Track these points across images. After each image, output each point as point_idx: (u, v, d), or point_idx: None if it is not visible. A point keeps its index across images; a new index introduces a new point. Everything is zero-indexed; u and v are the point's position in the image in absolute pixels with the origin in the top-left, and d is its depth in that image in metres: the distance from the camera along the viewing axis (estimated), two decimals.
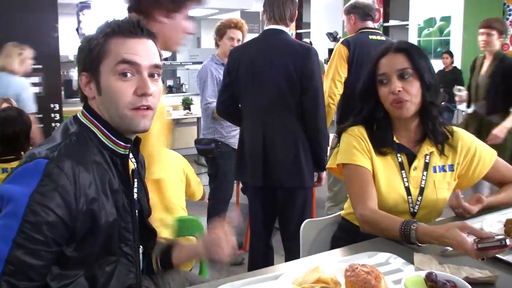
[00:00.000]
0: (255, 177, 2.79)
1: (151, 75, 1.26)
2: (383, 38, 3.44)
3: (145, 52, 1.25)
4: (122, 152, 1.29)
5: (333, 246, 1.90)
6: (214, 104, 3.41)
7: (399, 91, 1.65)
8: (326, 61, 7.00)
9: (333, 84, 3.26)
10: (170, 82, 8.73)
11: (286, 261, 2.98)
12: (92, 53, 1.24)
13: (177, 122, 7.49)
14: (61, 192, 1.11)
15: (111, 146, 1.27)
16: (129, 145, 1.31)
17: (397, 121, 1.74)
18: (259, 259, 3.08)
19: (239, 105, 2.91)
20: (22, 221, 1.07)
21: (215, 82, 3.62)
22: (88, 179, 1.17)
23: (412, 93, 1.66)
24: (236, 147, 3.52)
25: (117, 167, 1.28)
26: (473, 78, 3.98)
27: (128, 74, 1.23)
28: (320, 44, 10.28)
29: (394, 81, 1.66)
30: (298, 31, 11.68)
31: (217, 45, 3.76)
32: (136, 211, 1.36)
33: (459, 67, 7.85)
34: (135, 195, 1.36)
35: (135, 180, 1.37)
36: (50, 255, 1.12)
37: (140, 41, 1.26)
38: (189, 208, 2.63)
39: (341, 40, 3.41)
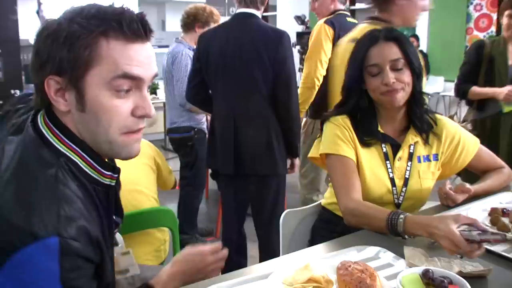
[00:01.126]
0: (227, 165, 2.73)
1: (148, 86, 1.03)
2: (355, 20, 3.35)
3: (148, 60, 0.99)
4: (108, 183, 1.05)
5: (313, 236, 1.86)
6: None
7: (393, 82, 1.60)
8: (294, 45, 6.95)
9: (319, 65, 3.12)
10: None
11: (260, 248, 2.96)
12: (78, 55, 0.93)
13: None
14: (86, 258, 0.93)
15: (95, 176, 1.02)
16: (116, 176, 1.07)
17: (382, 110, 1.70)
18: (232, 247, 3.04)
19: (209, 92, 2.83)
20: None
21: None
22: (97, 235, 0.97)
23: (405, 83, 1.62)
24: (206, 131, 3.55)
25: (100, 199, 1.04)
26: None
27: (126, 89, 0.97)
28: (287, 28, 10.19)
29: (388, 72, 1.60)
30: (264, 13, 11.55)
31: (190, 30, 3.61)
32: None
33: (425, 51, 7.93)
34: None
35: None
36: None
37: (144, 47, 0.98)
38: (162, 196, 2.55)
39: (322, 20, 3.26)
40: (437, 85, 8.11)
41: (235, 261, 2.95)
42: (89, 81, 0.95)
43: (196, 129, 3.62)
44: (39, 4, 5.29)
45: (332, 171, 1.66)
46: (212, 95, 2.82)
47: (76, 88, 0.96)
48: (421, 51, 7.80)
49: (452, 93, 7.83)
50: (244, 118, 2.66)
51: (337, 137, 1.66)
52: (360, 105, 1.69)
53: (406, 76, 1.62)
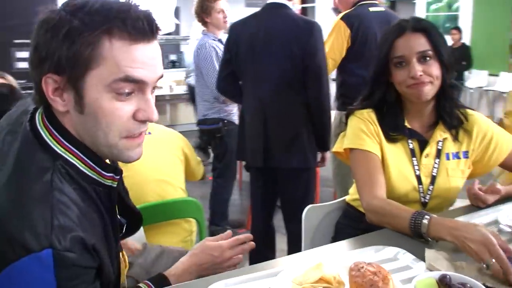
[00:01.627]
0: (256, 158, 2.72)
1: (153, 87, 0.97)
2: (382, 8, 3.20)
3: (153, 61, 0.93)
4: (110, 184, 1.02)
5: (337, 233, 1.82)
6: None
7: (420, 75, 1.52)
8: None
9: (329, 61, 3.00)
10: (173, 57, 8.56)
11: (288, 242, 2.94)
12: (78, 54, 0.88)
13: (178, 98, 7.38)
14: (83, 267, 0.91)
15: (96, 178, 0.98)
16: (118, 177, 1.03)
17: (409, 104, 1.62)
18: (260, 240, 3.02)
19: (240, 82, 2.81)
20: None
21: (218, 62, 3.48)
22: (94, 243, 0.93)
23: (433, 76, 1.54)
24: (237, 122, 3.50)
25: (101, 199, 1.00)
26: None
27: (128, 92, 0.92)
28: (325, 19, 10.06)
29: (414, 64, 1.53)
30: (303, 5, 11.42)
31: (204, 22, 3.58)
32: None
33: (468, 43, 7.67)
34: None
35: None
36: None
37: (149, 47, 0.92)
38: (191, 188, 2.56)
39: (340, 15, 3.13)
40: (480, 79, 7.85)
41: (263, 254, 2.94)
42: (88, 82, 0.90)
43: (225, 121, 3.60)
44: None
45: (356, 167, 1.61)
46: (242, 86, 2.80)
47: (75, 89, 0.91)
48: (464, 44, 7.56)
49: (496, 87, 7.60)
50: (274, 110, 2.62)
51: (362, 131, 1.61)
52: (387, 99, 1.63)
53: (435, 69, 1.54)
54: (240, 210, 4.52)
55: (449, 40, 7.63)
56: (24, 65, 4.45)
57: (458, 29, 7.63)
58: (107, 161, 1.04)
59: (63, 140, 0.95)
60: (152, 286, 1.18)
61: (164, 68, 4.63)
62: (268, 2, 2.67)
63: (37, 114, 0.98)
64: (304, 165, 2.65)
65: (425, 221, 1.29)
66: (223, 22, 3.52)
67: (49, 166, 0.92)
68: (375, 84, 1.65)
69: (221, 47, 3.50)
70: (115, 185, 1.03)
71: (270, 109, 2.63)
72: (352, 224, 1.71)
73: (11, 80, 3.35)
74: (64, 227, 0.87)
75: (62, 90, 0.92)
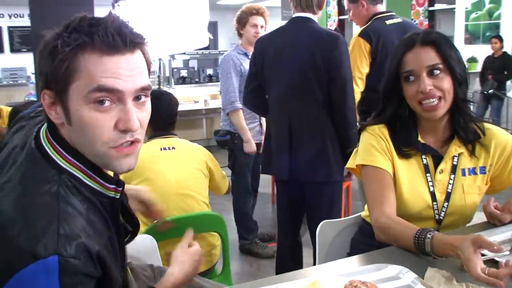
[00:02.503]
0: (281, 171, 2.72)
1: (137, 98, 1.00)
2: (399, 19, 3.15)
3: (130, 72, 0.96)
4: (113, 196, 1.07)
5: (352, 249, 1.80)
6: (237, 104, 3.44)
7: (430, 89, 1.49)
8: None
9: (353, 82, 2.92)
10: (210, 71, 8.68)
11: (314, 256, 2.91)
12: (58, 70, 0.94)
13: (214, 111, 7.46)
14: (86, 274, 0.94)
15: (99, 189, 1.04)
16: (120, 189, 1.08)
17: (423, 119, 1.59)
18: (287, 255, 3.03)
19: (266, 96, 2.83)
20: None
21: (238, 74, 3.54)
22: (101, 254, 0.97)
23: (444, 90, 1.50)
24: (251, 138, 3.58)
25: (107, 210, 1.06)
26: None
27: (106, 102, 0.95)
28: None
29: (424, 79, 1.49)
30: (341, 17, 11.38)
31: (239, 34, 3.66)
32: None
33: (510, 52, 7.43)
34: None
35: None
36: None
37: (123, 58, 0.96)
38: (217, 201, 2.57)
39: (357, 32, 3.11)
40: None
41: (289, 268, 2.92)
42: (71, 95, 0.95)
43: (236, 134, 3.61)
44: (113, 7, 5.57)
45: (366, 183, 1.59)
46: (268, 100, 2.82)
47: (61, 102, 0.97)
48: (505, 53, 7.33)
49: None
50: (299, 123, 2.63)
51: (373, 147, 1.59)
52: (400, 114, 1.60)
53: (446, 83, 1.50)
54: (272, 224, 4.49)
55: (490, 49, 7.42)
56: None
57: (499, 37, 7.41)
58: (111, 173, 1.08)
59: (66, 154, 1.00)
60: None
61: (201, 83, 4.78)
62: (293, 16, 2.70)
63: (41, 130, 1.04)
64: (329, 178, 2.63)
65: (427, 239, 1.27)
66: (253, 37, 3.54)
67: (55, 179, 0.97)
68: (387, 99, 1.63)
69: (245, 60, 3.56)
70: (118, 197, 1.07)
71: (295, 123, 2.63)
72: (367, 241, 1.68)
73: None
74: (69, 235, 0.92)
75: (55, 104, 0.98)
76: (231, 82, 3.52)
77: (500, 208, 1.53)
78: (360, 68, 2.97)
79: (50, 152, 1.00)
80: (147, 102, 1.03)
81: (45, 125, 1.05)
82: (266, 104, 2.84)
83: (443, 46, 1.51)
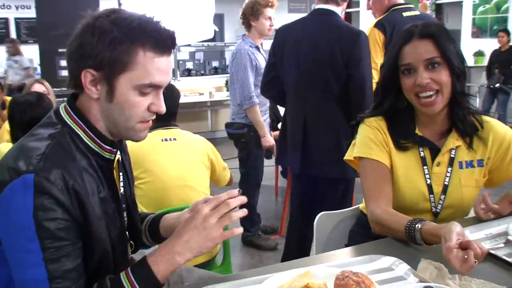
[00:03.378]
0: (294, 164, 2.72)
1: None
2: (417, 12, 3.13)
3: (169, 69, 1.17)
4: (108, 157, 1.21)
5: (350, 241, 1.80)
6: (255, 99, 3.40)
7: (427, 82, 1.48)
8: None
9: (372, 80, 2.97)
10: (215, 63, 8.68)
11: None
12: (115, 57, 1.09)
13: (220, 103, 7.47)
14: (58, 201, 1.04)
15: (97, 150, 1.18)
16: (115, 150, 1.23)
17: (421, 112, 1.58)
18: (294, 247, 3.03)
19: (284, 86, 2.81)
20: (40, 241, 1.03)
21: (254, 69, 3.49)
22: (78, 188, 1.09)
23: (441, 83, 1.49)
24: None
25: (103, 172, 1.20)
26: None
27: (149, 90, 1.15)
28: (368, 24, 9.92)
29: (421, 72, 1.49)
30: (347, 10, 11.32)
31: (248, 25, 3.58)
32: (124, 213, 1.30)
33: None
34: (122, 190, 1.29)
35: (121, 173, 1.30)
36: (80, 249, 1.10)
37: (169, 59, 1.16)
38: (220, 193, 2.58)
39: (373, 23, 3.11)
40: None
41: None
42: (121, 81, 1.11)
43: (252, 127, 3.59)
44: (119, 5, 5.56)
45: (364, 176, 1.59)
46: (286, 92, 2.79)
47: (109, 84, 1.11)
48: None
49: None
50: (314, 118, 2.61)
51: (370, 140, 1.59)
52: (398, 106, 1.59)
53: (444, 76, 1.49)
54: (274, 216, 4.51)
55: (496, 43, 7.37)
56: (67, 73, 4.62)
57: (506, 31, 7.35)
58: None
59: (74, 115, 1.16)
60: (131, 277, 1.11)
61: (207, 75, 4.77)
62: (316, 7, 2.65)
63: (62, 105, 1.21)
64: (342, 175, 2.59)
65: (417, 228, 1.28)
66: (267, 30, 3.52)
67: (58, 128, 1.14)
68: (385, 91, 1.62)
69: (258, 54, 3.53)
70: (112, 158, 1.22)
71: (311, 117, 2.61)
72: (364, 232, 1.69)
73: (47, 86, 3.52)
74: (53, 162, 1.06)
75: (97, 82, 1.12)
76: (248, 77, 3.46)
77: (497, 201, 1.52)
78: (374, 59, 2.92)
79: (62, 113, 1.17)
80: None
81: (64, 104, 1.20)
82: (284, 94, 2.81)
83: (441, 39, 1.50)
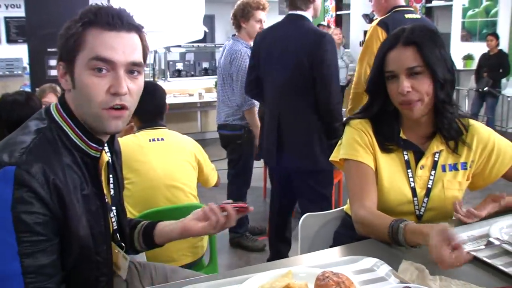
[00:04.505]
0: (270, 158, 2.93)
1: (130, 72, 1.18)
2: (417, 16, 3.22)
3: (123, 47, 1.16)
4: (93, 154, 1.23)
5: (335, 242, 1.81)
6: (254, 101, 3.44)
7: (408, 91, 1.48)
8: (361, 44, 6.78)
9: (368, 68, 3.04)
10: (205, 64, 8.67)
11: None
12: (69, 43, 1.15)
13: (209, 105, 7.46)
14: (38, 195, 1.06)
15: (82, 147, 1.20)
16: (101, 148, 1.25)
17: (406, 116, 1.58)
18: (278, 245, 3.26)
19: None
20: (16, 234, 1.04)
21: None
22: (59, 184, 1.10)
23: (422, 92, 1.48)
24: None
25: (88, 169, 1.21)
26: None
27: (103, 70, 1.14)
28: (358, 26, 9.99)
29: (403, 80, 1.48)
30: (338, 12, 11.37)
31: (238, 27, 3.60)
32: (114, 212, 1.31)
33: (505, 50, 7.43)
34: (112, 191, 1.30)
35: (110, 175, 1.31)
36: (56, 246, 1.11)
37: (118, 35, 1.16)
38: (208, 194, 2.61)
39: (376, 21, 3.17)
40: None
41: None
42: (77, 63, 1.15)
43: (246, 129, 3.60)
44: (108, 1, 5.55)
45: (348, 177, 1.60)
46: (264, 93, 2.99)
47: (69, 70, 1.17)
48: (501, 51, 7.34)
49: None
50: (286, 115, 2.81)
51: (356, 142, 1.60)
52: (386, 109, 1.60)
53: (425, 85, 1.48)
54: (262, 217, 4.51)
55: (485, 46, 7.42)
56: (56, 72, 4.58)
57: (495, 35, 7.41)
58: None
59: (62, 112, 1.20)
60: None
61: (197, 76, 4.77)
62: (288, 13, 2.85)
63: (52, 104, 1.24)
64: (315, 167, 2.78)
65: (401, 227, 1.30)
66: (257, 32, 3.53)
67: (45, 123, 1.18)
68: (373, 95, 1.62)
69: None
70: (98, 155, 1.24)
71: (282, 114, 2.82)
72: (348, 233, 1.70)
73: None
74: (35, 155, 1.08)
75: (65, 73, 1.18)
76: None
77: (482, 202, 1.54)
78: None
79: (52, 109, 1.21)
80: (140, 78, 1.21)
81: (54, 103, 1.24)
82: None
83: (425, 46, 1.48)
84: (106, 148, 1.31)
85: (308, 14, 2.79)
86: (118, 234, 1.35)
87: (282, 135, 2.81)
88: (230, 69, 3.53)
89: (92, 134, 1.21)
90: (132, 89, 1.18)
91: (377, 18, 3.23)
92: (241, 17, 3.54)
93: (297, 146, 2.80)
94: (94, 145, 1.22)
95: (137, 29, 1.20)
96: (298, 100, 2.74)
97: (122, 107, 1.17)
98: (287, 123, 2.80)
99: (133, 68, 1.18)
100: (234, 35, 3.68)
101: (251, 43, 3.61)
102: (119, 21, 1.16)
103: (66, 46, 1.16)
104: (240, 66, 3.46)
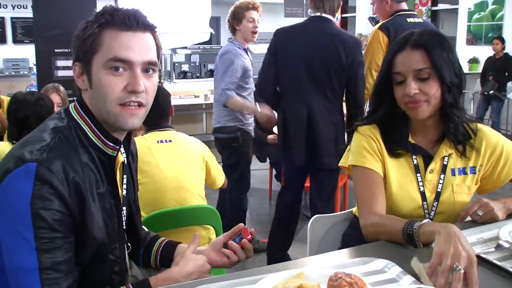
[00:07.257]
0: (299, 157, 3.00)
1: (146, 70, 1.21)
2: (420, 20, 3.26)
3: (139, 47, 1.19)
4: (110, 153, 1.25)
5: (343, 244, 1.82)
6: (230, 92, 3.39)
7: (415, 93, 1.49)
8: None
9: (369, 73, 3.09)
10: (211, 66, 8.70)
11: None
12: (85, 44, 1.18)
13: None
14: (57, 192, 1.08)
15: (100, 146, 1.23)
16: (117, 147, 1.27)
17: (414, 120, 1.59)
18: (278, 244, 3.33)
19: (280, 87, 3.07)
20: (34, 229, 1.06)
21: (240, 70, 3.45)
22: (78, 181, 1.13)
23: (429, 95, 1.49)
24: (252, 134, 3.70)
25: (104, 167, 1.24)
26: None
27: (120, 69, 1.17)
28: (363, 28, 9.99)
29: (410, 82, 1.49)
30: (344, 15, 11.38)
31: (233, 30, 3.61)
32: (124, 212, 1.32)
33: (511, 54, 7.43)
34: (124, 192, 1.32)
35: (124, 176, 1.32)
36: (72, 244, 1.13)
37: (134, 35, 1.19)
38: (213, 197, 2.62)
39: (378, 25, 3.21)
40: None
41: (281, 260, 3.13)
42: (94, 64, 1.18)
43: (242, 130, 3.58)
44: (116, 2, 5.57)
45: (357, 184, 1.61)
46: (284, 91, 3.04)
47: (87, 70, 1.20)
48: (507, 54, 7.33)
49: None
50: (317, 113, 2.93)
51: (364, 149, 1.60)
52: (395, 113, 1.60)
53: (433, 88, 1.49)
54: (268, 219, 4.52)
55: (491, 50, 7.42)
56: (63, 73, 4.59)
57: (500, 38, 7.41)
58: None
59: (81, 111, 1.23)
60: None
61: (202, 77, 4.73)
62: (312, 15, 2.97)
63: (71, 104, 1.27)
64: (336, 165, 2.90)
65: (416, 226, 1.30)
66: (251, 32, 3.54)
67: (65, 122, 1.21)
68: (380, 98, 1.63)
69: (245, 56, 3.55)
70: (114, 154, 1.26)
71: (313, 113, 2.93)
72: (357, 235, 1.70)
73: (64, 97, 3.48)
74: (56, 153, 1.11)
75: (82, 73, 1.21)
76: (235, 74, 3.43)
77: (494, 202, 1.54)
78: (377, 61, 3.08)
79: (71, 109, 1.25)
80: (155, 77, 1.25)
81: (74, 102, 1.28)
82: (277, 95, 3.07)
83: (434, 50, 1.49)
84: (122, 149, 1.32)
85: (333, 18, 2.98)
86: (125, 235, 1.36)
87: (312, 134, 2.92)
88: (218, 62, 3.57)
89: (109, 132, 1.23)
90: (148, 87, 1.21)
91: (379, 24, 3.26)
92: (234, 20, 3.59)
93: (326, 144, 2.92)
94: (111, 144, 1.24)
95: (151, 29, 1.24)
96: (329, 99, 2.91)
97: (139, 104, 1.20)
98: (317, 122, 2.92)
99: (148, 67, 1.21)
100: (230, 38, 3.69)
101: (247, 46, 3.64)
102: (135, 22, 1.19)
103: (83, 47, 1.18)
104: (228, 61, 3.44)
